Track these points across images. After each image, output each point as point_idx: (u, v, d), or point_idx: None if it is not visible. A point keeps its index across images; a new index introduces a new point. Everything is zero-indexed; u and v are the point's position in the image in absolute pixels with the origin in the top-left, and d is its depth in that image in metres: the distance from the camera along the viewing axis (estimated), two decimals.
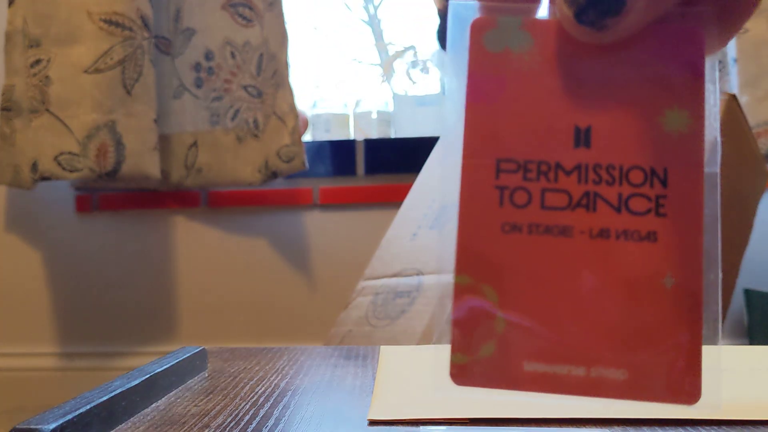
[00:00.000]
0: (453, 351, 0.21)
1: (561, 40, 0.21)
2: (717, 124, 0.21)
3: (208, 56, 1.08)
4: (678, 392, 0.20)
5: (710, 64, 0.21)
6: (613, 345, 0.20)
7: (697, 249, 0.20)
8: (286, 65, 1.02)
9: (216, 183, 1.08)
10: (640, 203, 0.20)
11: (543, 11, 0.22)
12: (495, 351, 0.20)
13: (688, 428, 0.26)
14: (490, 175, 0.21)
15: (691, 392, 0.20)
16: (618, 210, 0.20)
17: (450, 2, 0.22)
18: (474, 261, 0.21)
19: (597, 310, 0.20)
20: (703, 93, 0.21)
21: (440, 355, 0.21)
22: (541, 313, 0.20)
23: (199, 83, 1.09)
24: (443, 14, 1.00)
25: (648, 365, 0.20)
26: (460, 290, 0.21)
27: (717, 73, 0.21)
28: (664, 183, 0.20)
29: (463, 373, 0.21)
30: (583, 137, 0.21)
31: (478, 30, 0.21)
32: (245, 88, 1.07)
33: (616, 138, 0.21)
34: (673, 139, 0.20)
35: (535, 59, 0.21)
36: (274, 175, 1.02)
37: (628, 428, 0.25)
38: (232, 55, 1.07)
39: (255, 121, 1.05)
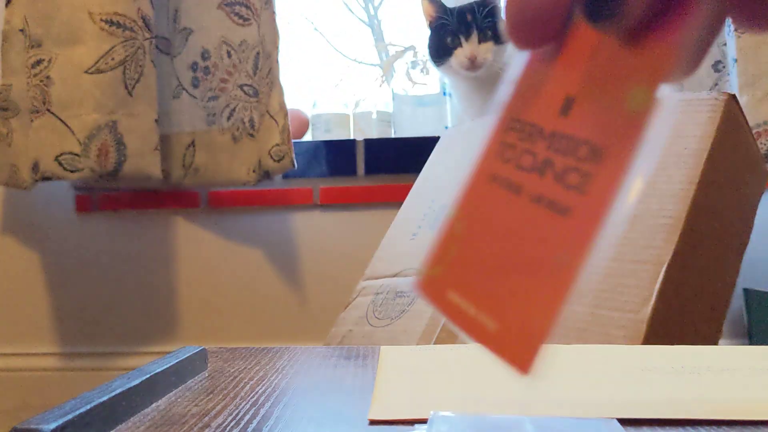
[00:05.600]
0: (428, 264, 0.23)
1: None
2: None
3: (205, 55, 1.08)
4: (517, 358, 0.21)
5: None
6: (500, 296, 0.21)
7: (593, 236, 0.20)
8: (277, 63, 1.02)
9: (212, 183, 1.08)
10: (573, 178, 0.21)
11: None
12: (442, 274, 0.23)
13: (689, 428, 0.26)
14: (502, 131, 0.23)
15: (525, 363, 0.21)
16: (557, 180, 0.21)
17: None
18: (464, 202, 0.23)
19: (508, 266, 0.22)
20: (670, 71, 0.21)
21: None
22: (475, 252, 0.22)
23: (195, 83, 1.09)
24: (433, 27, 1.00)
25: (511, 325, 0.21)
26: (446, 219, 0.23)
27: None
28: (598, 161, 0.21)
29: (422, 283, 0.23)
30: (566, 106, 0.22)
31: None
32: (241, 87, 1.07)
33: (585, 111, 0.21)
34: (626, 118, 0.21)
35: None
36: (267, 174, 1.02)
37: (628, 428, 0.25)
38: (228, 54, 1.07)
39: (251, 120, 1.05)
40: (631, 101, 0.21)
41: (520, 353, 0.21)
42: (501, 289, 0.21)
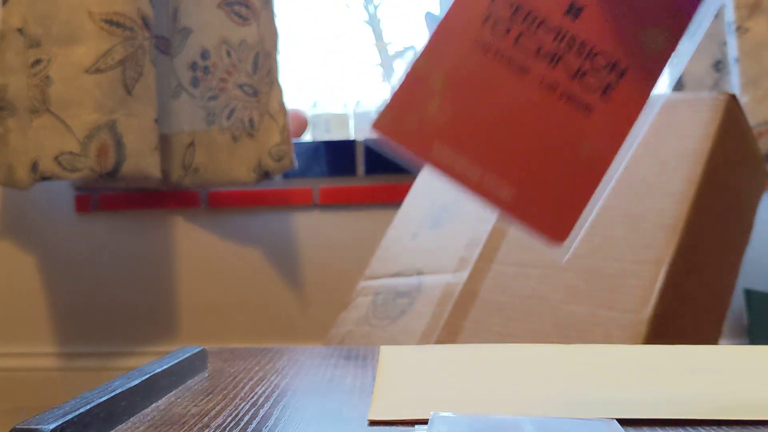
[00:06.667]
0: (385, 108, 0.23)
1: None
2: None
3: (204, 55, 1.08)
4: (550, 227, 0.22)
5: None
6: (516, 164, 0.22)
7: (620, 137, 0.22)
8: (277, 63, 1.02)
9: (212, 182, 1.08)
10: (593, 81, 0.23)
11: None
12: (418, 123, 0.23)
13: (688, 428, 0.26)
14: (488, 1, 0.23)
15: (559, 232, 0.22)
16: (573, 77, 0.23)
17: None
18: (439, 52, 0.23)
19: (517, 136, 0.23)
20: (686, 22, 0.22)
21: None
22: (470, 114, 0.23)
23: (195, 82, 1.09)
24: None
25: (536, 194, 0.22)
26: (415, 67, 0.23)
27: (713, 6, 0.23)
28: (620, 77, 0.23)
29: (381, 123, 0.23)
30: (575, 10, 0.23)
31: None
32: (241, 87, 1.07)
33: (599, 26, 0.23)
34: (644, 50, 0.23)
35: None
36: (267, 174, 1.02)
37: (628, 428, 0.25)
38: (228, 54, 1.07)
39: (251, 120, 1.05)
40: (648, 39, 0.22)
41: (550, 222, 0.22)
42: (515, 159, 0.22)
